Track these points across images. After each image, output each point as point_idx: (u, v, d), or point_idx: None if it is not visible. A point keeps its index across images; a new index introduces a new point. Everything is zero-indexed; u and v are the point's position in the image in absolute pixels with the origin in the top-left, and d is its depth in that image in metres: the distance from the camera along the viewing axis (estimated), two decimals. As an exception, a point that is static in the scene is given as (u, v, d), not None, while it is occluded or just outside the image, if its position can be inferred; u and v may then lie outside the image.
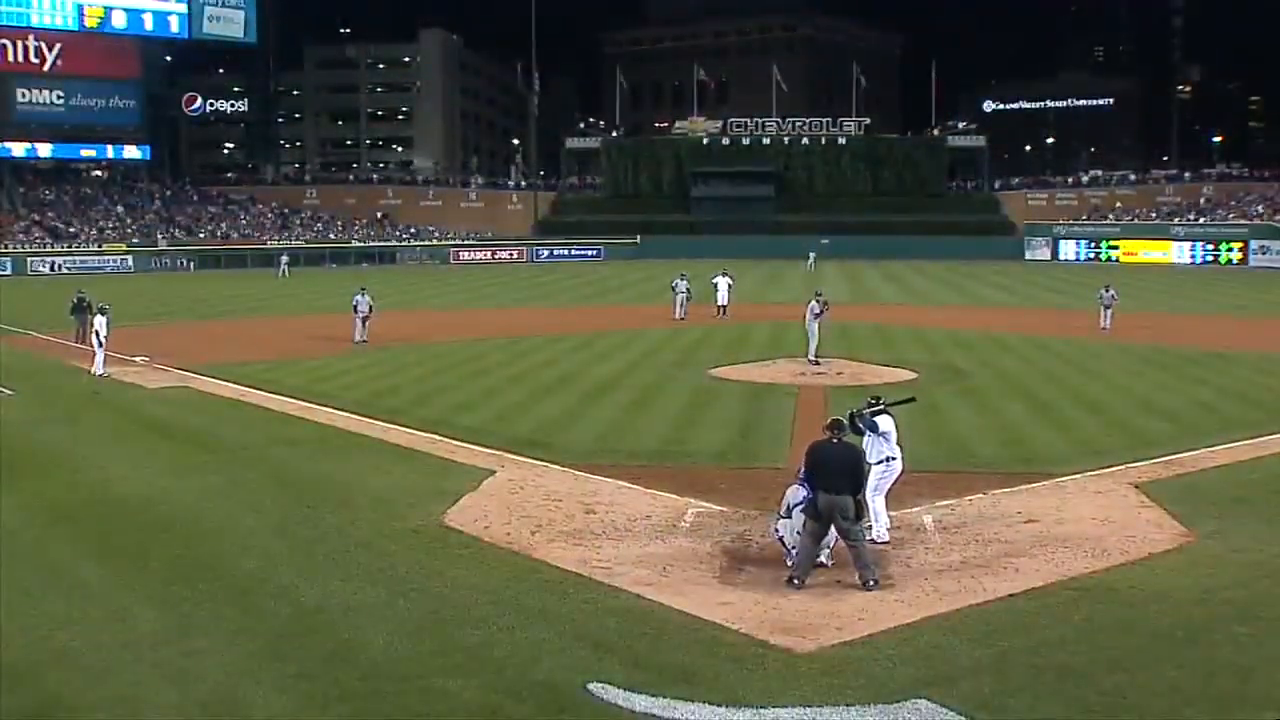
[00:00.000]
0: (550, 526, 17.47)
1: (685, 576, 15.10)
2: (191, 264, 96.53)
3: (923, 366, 35.52)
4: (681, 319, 50.85)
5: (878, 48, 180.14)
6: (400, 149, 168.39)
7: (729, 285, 53.50)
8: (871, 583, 14.61)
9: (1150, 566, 15.71)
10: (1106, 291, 47.64)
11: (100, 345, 33.50)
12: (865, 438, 16.94)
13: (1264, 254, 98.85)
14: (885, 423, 17.38)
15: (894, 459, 17.19)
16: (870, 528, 16.39)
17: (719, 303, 52.87)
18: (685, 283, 53.01)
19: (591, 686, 11.45)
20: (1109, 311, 46.72)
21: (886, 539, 16.74)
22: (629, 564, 15.55)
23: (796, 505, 15.18)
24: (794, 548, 15.14)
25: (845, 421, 16.08)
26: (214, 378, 32.59)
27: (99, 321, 33.99)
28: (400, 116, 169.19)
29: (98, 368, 33.23)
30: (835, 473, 14.93)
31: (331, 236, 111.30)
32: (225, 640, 12.81)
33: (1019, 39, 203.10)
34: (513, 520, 17.78)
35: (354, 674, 11.86)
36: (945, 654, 12.49)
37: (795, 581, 14.62)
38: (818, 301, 35.63)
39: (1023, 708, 11.11)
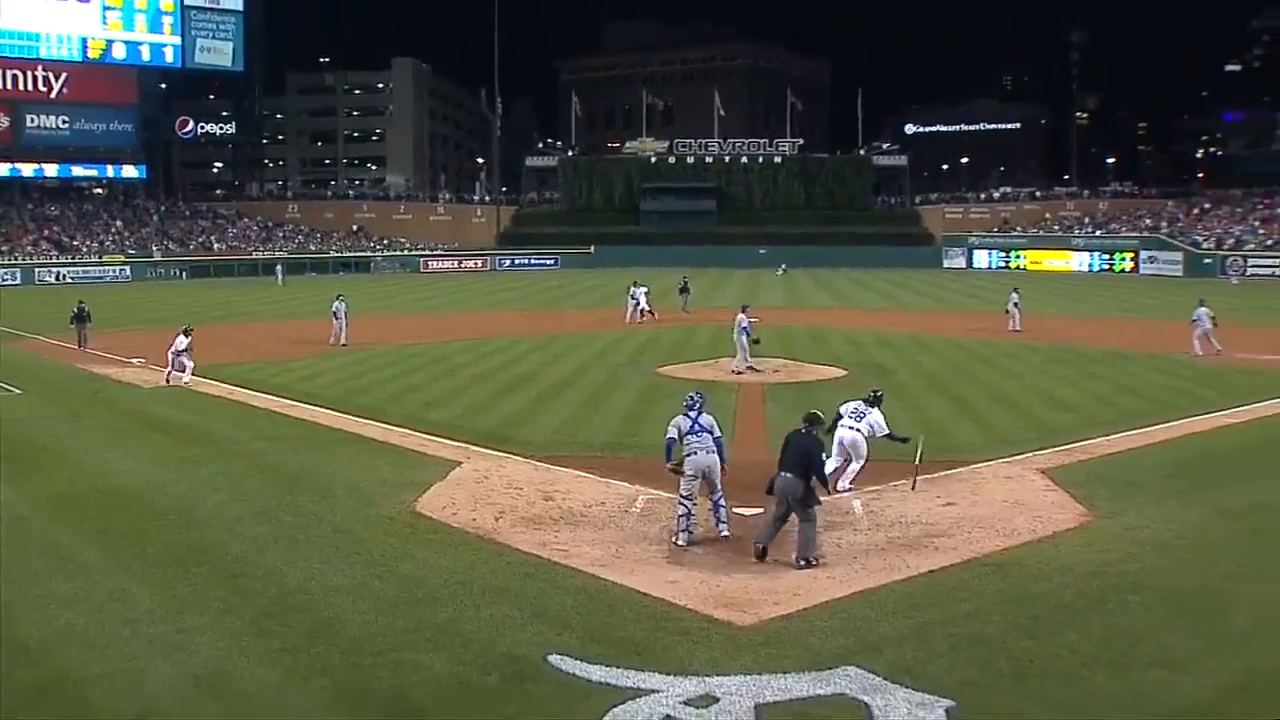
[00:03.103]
0: (512, 513, 17.44)
1: (636, 557, 15.13)
2: (184, 273, 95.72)
3: (852, 365, 35.68)
4: (634, 322, 50.88)
5: (809, 75, 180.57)
6: (374, 167, 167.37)
7: (645, 293, 52.54)
8: (802, 563, 14.76)
9: (1054, 544, 15.87)
10: (1014, 293, 48.07)
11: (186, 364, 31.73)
12: (851, 413, 19.25)
13: (1152, 263, 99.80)
14: (877, 417, 19.30)
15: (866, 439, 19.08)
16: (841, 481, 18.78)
17: (641, 307, 52.01)
18: (635, 289, 53.04)
19: (551, 658, 11.47)
20: (1018, 313, 47.08)
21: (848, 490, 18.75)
22: (585, 546, 15.56)
23: (687, 433, 16.20)
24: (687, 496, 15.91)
25: (818, 415, 16.19)
26: (205, 378, 32.30)
27: (181, 341, 31.66)
28: (374, 138, 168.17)
29: (186, 376, 31.54)
30: (790, 459, 15.21)
31: (311, 248, 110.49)
32: (216, 618, 12.74)
33: (936, 69, 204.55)
34: (478, 507, 17.75)
35: (334, 648, 11.82)
36: (872, 625, 12.58)
37: (797, 563, 14.76)
38: (745, 315, 35.05)
39: (941, 672, 11.20)
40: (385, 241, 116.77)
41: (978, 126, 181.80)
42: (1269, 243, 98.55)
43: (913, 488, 19.01)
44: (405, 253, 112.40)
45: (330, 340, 41.05)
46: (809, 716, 10.29)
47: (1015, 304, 47.39)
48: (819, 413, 16.40)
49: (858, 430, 19.18)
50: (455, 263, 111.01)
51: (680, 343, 42.78)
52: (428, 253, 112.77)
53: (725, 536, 16.05)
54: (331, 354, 38.96)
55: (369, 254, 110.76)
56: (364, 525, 16.74)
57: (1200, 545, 15.82)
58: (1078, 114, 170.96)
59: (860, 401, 19.90)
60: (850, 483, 19.14)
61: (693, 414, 16.42)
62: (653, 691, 10.70)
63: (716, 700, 10.53)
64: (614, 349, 40.98)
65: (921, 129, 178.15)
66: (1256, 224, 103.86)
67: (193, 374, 31.54)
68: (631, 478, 19.76)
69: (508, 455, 21.88)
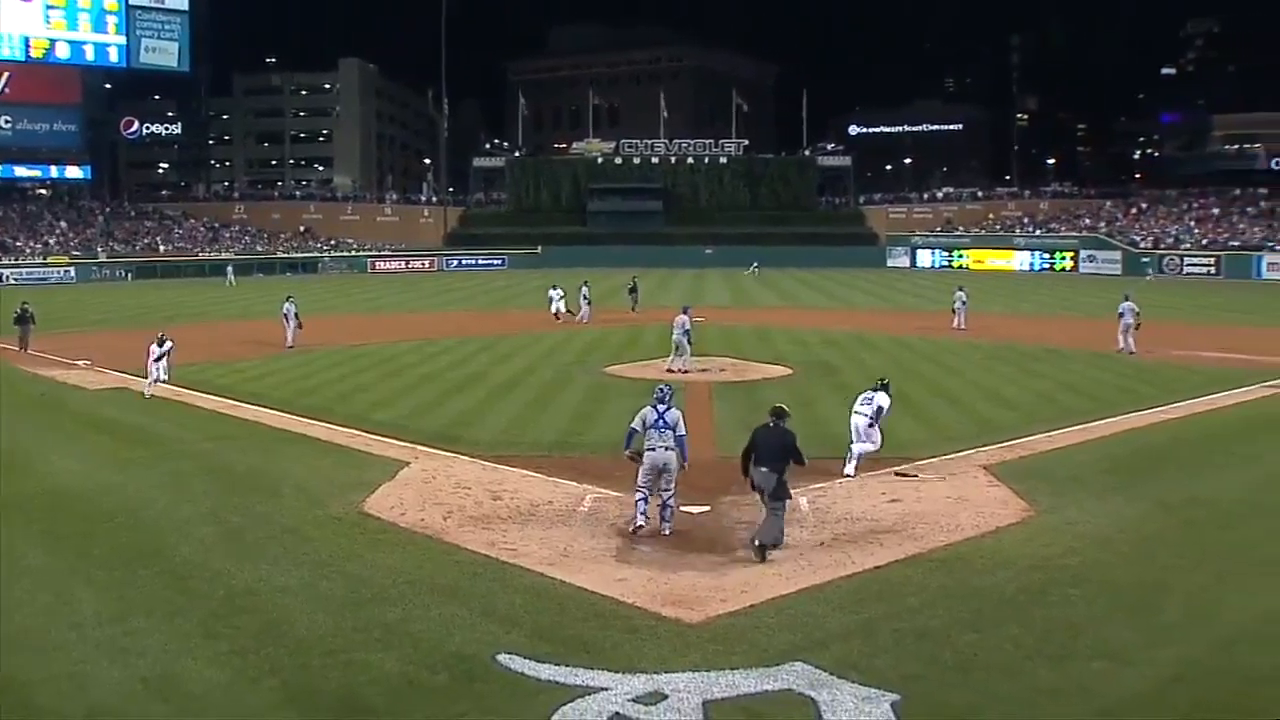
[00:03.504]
0: (460, 512, 17.38)
1: (584, 556, 15.12)
2: (129, 275, 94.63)
3: (798, 364, 35.81)
4: (583, 322, 50.95)
5: (755, 77, 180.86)
6: (321, 168, 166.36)
7: (560, 295, 52.39)
8: (761, 548, 14.94)
9: (997, 539, 16.02)
10: (960, 291, 48.50)
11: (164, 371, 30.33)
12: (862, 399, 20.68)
13: (1091, 262, 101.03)
14: (884, 399, 20.58)
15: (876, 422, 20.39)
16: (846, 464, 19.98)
17: (553, 310, 51.82)
18: (587, 289, 53.20)
19: (500, 657, 11.44)
20: (963, 312, 47.48)
21: (851, 473, 19.82)
22: (533, 545, 15.53)
23: (650, 426, 16.42)
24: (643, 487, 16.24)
25: (784, 408, 16.36)
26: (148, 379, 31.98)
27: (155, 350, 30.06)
28: (321, 139, 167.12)
29: (148, 387, 29.68)
30: (764, 452, 15.52)
31: (259, 249, 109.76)
32: (163, 620, 12.62)
33: (880, 71, 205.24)
34: (426, 507, 17.67)
35: (282, 649, 11.73)
36: (818, 621, 12.64)
37: (758, 547, 15.01)
38: (686, 316, 34.69)
39: (887, 667, 11.27)
40: (332, 242, 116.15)
41: (921, 128, 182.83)
42: (1204, 242, 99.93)
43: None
44: (353, 253, 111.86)
45: (289, 343, 40.55)
46: (756, 712, 10.32)
47: (963, 303, 47.84)
48: (784, 406, 16.54)
49: (868, 416, 20.42)
50: (403, 263, 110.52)
51: (627, 342, 42.77)
52: (375, 253, 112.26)
53: (665, 534, 16.17)
54: (280, 355, 38.62)
55: (316, 255, 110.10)
56: (312, 526, 16.62)
57: (1139, 539, 16.02)
58: (1018, 115, 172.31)
59: (870, 390, 21.09)
60: (855, 467, 20.04)
61: (660, 408, 16.55)
62: (601, 689, 10.70)
63: (665, 697, 10.54)
64: (561, 348, 40.92)
65: (865, 130, 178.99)
66: (1192, 223, 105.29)
67: (159, 382, 29.95)
68: (579, 477, 19.76)
69: (456, 455, 21.79)
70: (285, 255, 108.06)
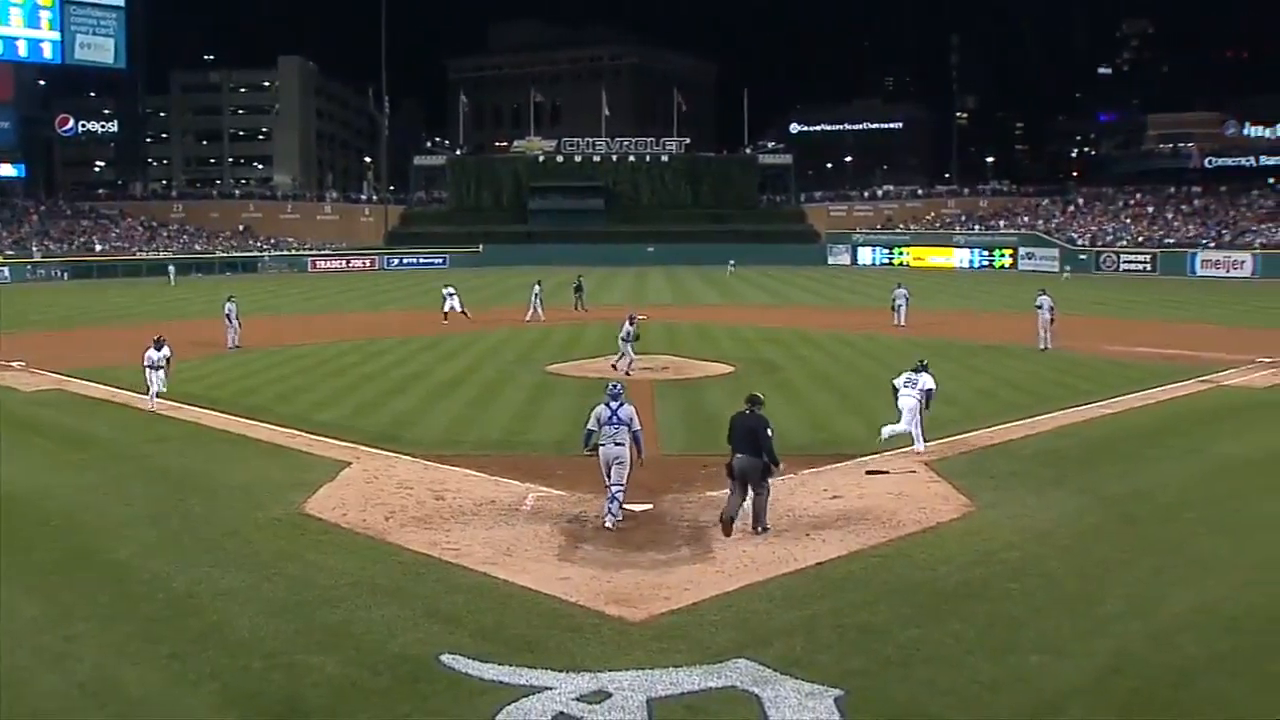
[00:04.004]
0: (403, 513, 17.30)
1: (527, 555, 15.08)
2: (65, 274, 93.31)
3: (740, 361, 35.94)
4: (535, 320, 50.80)
5: (695, 75, 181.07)
6: (261, 166, 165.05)
7: (453, 293, 51.44)
8: (761, 529, 15.92)
9: (938, 534, 16.15)
10: (899, 289, 48.91)
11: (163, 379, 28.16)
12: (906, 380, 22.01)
13: (1030, 259, 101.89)
14: (927, 380, 21.94)
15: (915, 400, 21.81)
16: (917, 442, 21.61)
17: (444, 310, 50.71)
18: (540, 288, 53.15)
19: (444, 657, 11.39)
20: (903, 309, 47.85)
21: (923, 449, 21.57)
22: (475, 545, 15.48)
23: (604, 423, 16.74)
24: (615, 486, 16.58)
25: (759, 396, 17.01)
26: (88, 380, 31.60)
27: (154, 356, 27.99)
28: (261, 137, 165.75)
29: (151, 399, 27.65)
30: (742, 439, 16.21)
31: (197, 248, 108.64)
32: (102, 625, 12.47)
33: (820, 70, 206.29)
34: (368, 508, 17.57)
35: (223, 653, 11.62)
36: (761, 618, 12.67)
37: (755, 530, 15.93)
38: (631, 323, 34.12)
39: (830, 662, 11.32)
40: (272, 241, 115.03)
41: (861, 126, 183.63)
42: (1140, 239, 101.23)
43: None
44: (292, 252, 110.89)
45: (231, 344, 40.08)
46: (700, 709, 10.33)
47: (904, 299, 48.24)
48: (759, 394, 17.11)
49: (916, 398, 21.83)
50: (343, 262, 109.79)
51: (570, 341, 42.73)
52: (315, 252, 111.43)
53: (606, 527, 16.43)
54: (221, 355, 38.23)
55: (256, 254, 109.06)
56: (253, 527, 16.48)
57: (1078, 532, 16.21)
58: (958, 114, 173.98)
59: (911, 371, 22.34)
60: (924, 444, 21.80)
61: (613, 404, 16.86)
62: (545, 689, 10.68)
63: (609, 695, 10.53)
64: (504, 347, 40.83)
65: (806, 128, 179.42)
66: (1128, 221, 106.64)
67: (159, 394, 27.81)
68: (522, 476, 19.73)
69: (398, 455, 21.69)
70: (224, 255, 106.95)
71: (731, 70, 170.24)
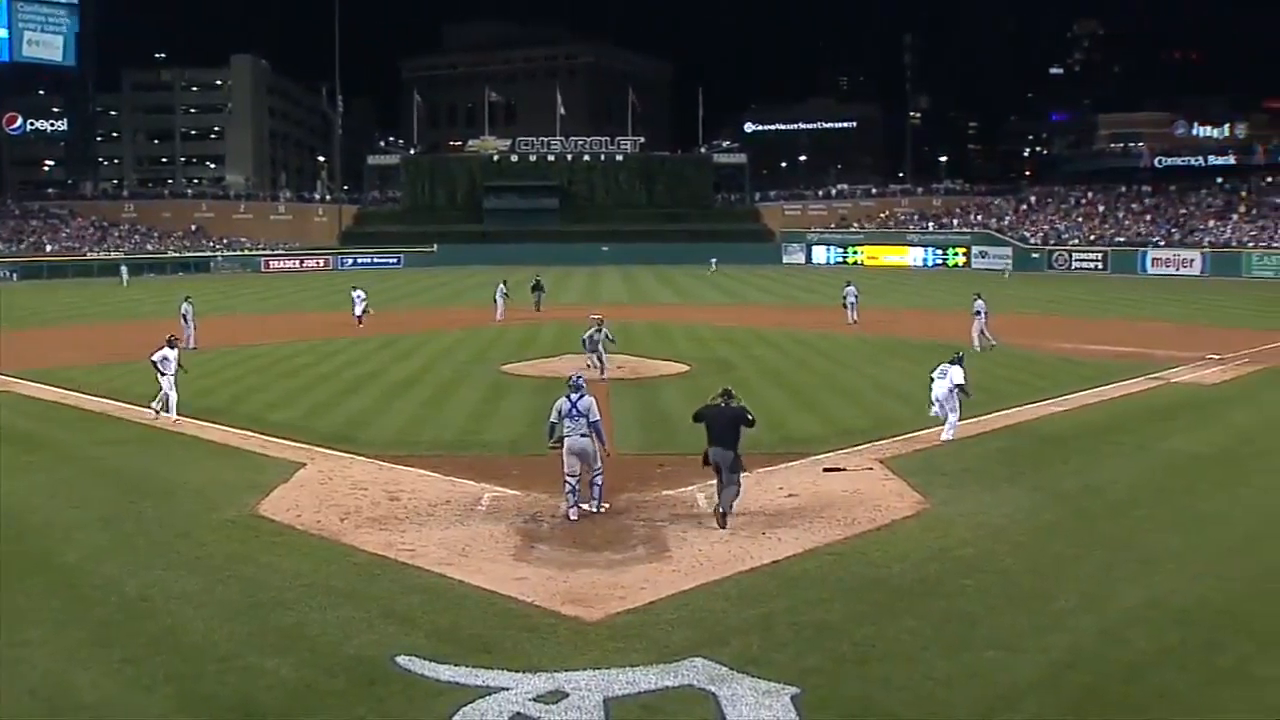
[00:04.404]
0: (357, 514, 17.21)
1: (483, 555, 15.04)
2: (14, 275, 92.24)
3: (695, 360, 35.98)
4: (500, 320, 50.66)
5: (650, 75, 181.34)
6: (213, 166, 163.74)
7: (363, 298, 49.94)
8: (724, 516, 16.33)
9: (893, 531, 16.23)
10: (849, 287, 49.24)
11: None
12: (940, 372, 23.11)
13: (983, 258, 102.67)
14: (957, 373, 22.93)
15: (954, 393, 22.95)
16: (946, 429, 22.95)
17: (355, 313, 49.21)
18: (504, 287, 52.96)
19: (399, 659, 11.34)
20: (854, 306, 48.12)
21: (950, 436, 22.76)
22: (431, 546, 15.42)
23: (565, 415, 17.15)
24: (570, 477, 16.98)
25: (731, 390, 17.63)
26: (38, 382, 31.24)
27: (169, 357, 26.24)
28: (213, 136, 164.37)
29: (157, 405, 26.00)
30: (719, 430, 16.73)
31: (149, 248, 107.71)
32: (53, 630, 12.31)
33: (775, 69, 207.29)
34: (322, 509, 17.47)
35: (177, 657, 11.52)
36: (717, 616, 12.70)
37: (721, 513, 16.39)
38: (598, 330, 33.28)
39: (786, 660, 11.35)
40: (225, 241, 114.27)
41: (815, 125, 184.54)
42: (1092, 238, 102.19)
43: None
44: (246, 252, 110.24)
45: (187, 344, 39.60)
46: (657, 709, 10.34)
47: (854, 297, 48.51)
48: (730, 388, 17.81)
49: (948, 387, 22.90)
50: (297, 262, 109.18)
51: (526, 340, 42.67)
52: (269, 252, 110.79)
53: (598, 511, 17.00)
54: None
55: (209, 254, 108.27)
56: (206, 530, 16.33)
57: (1032, 528, 16.34)
58: (911, 113, 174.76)
59: (945, 364, 23.35)
60: (952, 433, 22.92)
61: (574, 397, 17.16)
62: (501, 689, 10.65)
63: (565, 696, 10.52)
64: (459, 347, 40.71)
65: (761, 127, 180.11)
66: (1079, 220, 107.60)
67: (174, 404, 25.98)
68: (477, 476, 19.67)
69: (352, 456, 21.57)
70: (177, 255, 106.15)
71: (686, 70, 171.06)
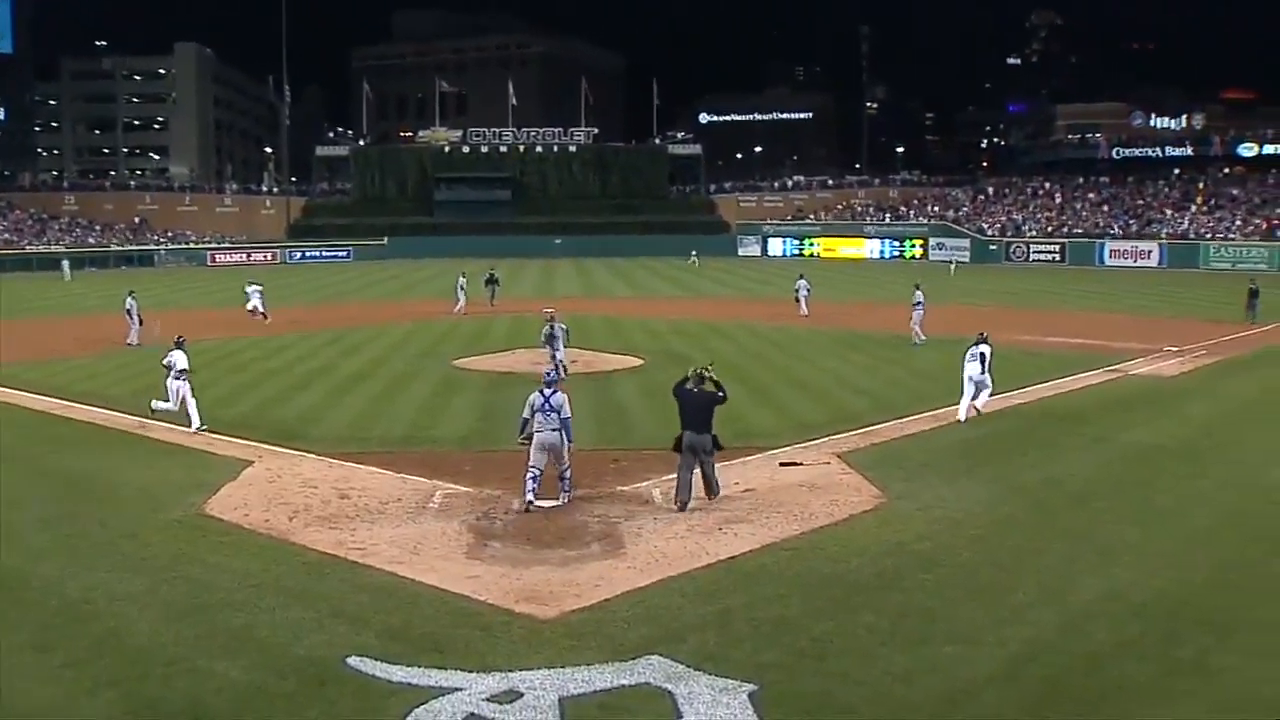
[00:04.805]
0: (307, 512, 17.11)
1: (435, 553, 14.99)
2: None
3: (649, 354, 35.99)
4: (463, 312, 50.49)
5: (603, 65, 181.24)
6: (157, 157, 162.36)
7: (258, 291, 49.44)
8: (714, 495, 17.31)
9: (851, 526, 16.31)
10: (800, 280, 49.55)
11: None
12: (970, 355, 24.69)
13: (941, 250, 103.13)
14: (987, 350, 24.62)
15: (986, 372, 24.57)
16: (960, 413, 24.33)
17: (248, 308, 48.67)
18: (465, 280, 52.76)
19: (350, 660, 11.29)
20: (805, 299, 48.40)
21: (963, 419, 24.20)
22: (382, 544, 15.36)
23: (537, 410, 17.47)
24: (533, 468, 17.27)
25: (702, 371, 18.24)
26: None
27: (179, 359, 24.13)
28: (156, 126, 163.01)
29: (173, 403, 23.97)
30: (694, 414, 17.42)
31: (91, 241, 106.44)
32: (-10, 635, 12.17)
33: (729, 59, 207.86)
34: (271, 508, 17.36)
35: (121, 660, 11.41)
36: (674, 613, 12.71)
37: (680, 507, 17.00)
38: (554, 326, 32.41)
39: (744, 657, 11.39)
40: (169, 234, 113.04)
41: (771, 115, 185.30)
42: (1049, 230, 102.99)
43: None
44: (191, 246, 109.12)
45: (131, 340, 39.21)
46: (613, 707, 10.34)
47: (806, 290, 48.79)
48: (702, 371, 18.33)
49: (980, 366, 24.44)
50: (244, 256, 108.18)
51: (478, 334, 42.56)
52: (215, 246, 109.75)
53: (563, 503, 17.39)
54: (120, 351, 37.50)
55: (152, 247, 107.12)
56: (151, 530, 16.18)
57: (990, 521, 16.46)
58: (868, 104, 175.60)
59: (973, 345, 24.92)
60: (981, 407, 24.52)
61: (547, 392, 17.55)
62: (455, 689, 10.63)
63: (520, 695, 10.51)
64: (410, 341, 40.54)
65: (716, 118, 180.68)
66: (1036, 211, 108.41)
67: (194, 409, 23.87)
68: (429, 472, 19.60)
69: (301, 453, 21.44)
70: (120, 248, 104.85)
71: (640, 60, 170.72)
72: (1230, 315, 46.72)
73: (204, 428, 23.36)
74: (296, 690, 10.73)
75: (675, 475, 17.40)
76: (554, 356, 31.07)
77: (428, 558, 14.79)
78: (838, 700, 10.52)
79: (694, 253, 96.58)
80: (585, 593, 13.38)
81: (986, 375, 24.62)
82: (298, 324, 46.37)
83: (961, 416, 24.33)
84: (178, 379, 23.85)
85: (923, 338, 38.39)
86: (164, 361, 24.32)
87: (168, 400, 24.04)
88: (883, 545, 15.23)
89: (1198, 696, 10.73)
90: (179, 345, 24.54)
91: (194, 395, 23.95)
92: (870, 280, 76.06)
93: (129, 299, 40.57)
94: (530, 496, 17.16)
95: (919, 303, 39.07)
